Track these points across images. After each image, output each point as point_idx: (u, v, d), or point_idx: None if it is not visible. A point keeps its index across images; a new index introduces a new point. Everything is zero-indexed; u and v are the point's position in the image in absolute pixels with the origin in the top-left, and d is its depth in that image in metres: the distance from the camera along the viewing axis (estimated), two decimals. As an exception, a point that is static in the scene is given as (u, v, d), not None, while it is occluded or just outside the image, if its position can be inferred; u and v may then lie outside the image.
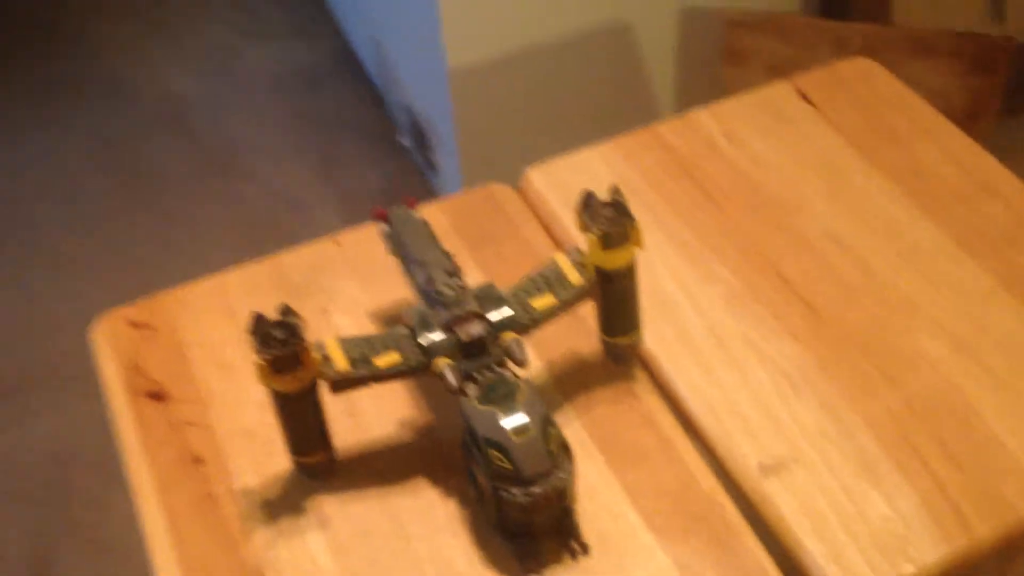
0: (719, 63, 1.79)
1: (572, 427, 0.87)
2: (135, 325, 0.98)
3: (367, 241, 1.02)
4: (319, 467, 0.84)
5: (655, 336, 0.92)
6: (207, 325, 0.97)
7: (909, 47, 1.68)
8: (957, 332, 0.91)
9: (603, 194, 0.84)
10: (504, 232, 1.02)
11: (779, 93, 1.14)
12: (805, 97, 1.13)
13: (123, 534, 1.61)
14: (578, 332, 0.92)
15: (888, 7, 1.85)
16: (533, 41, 1.81)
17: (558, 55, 1.83)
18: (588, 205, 0.83)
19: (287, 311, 0.78)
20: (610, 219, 0.82)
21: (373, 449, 0.87)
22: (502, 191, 1.07)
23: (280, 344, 0.76)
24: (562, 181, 1.05)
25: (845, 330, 0.92)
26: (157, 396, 0.92)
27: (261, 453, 0.87)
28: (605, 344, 0.90)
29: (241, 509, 0.84)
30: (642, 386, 0.90)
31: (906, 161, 1.06)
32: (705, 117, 1.12)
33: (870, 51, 1.35)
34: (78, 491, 1.67)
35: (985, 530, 0.79)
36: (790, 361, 0.90)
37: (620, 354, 0.91)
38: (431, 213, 1.03)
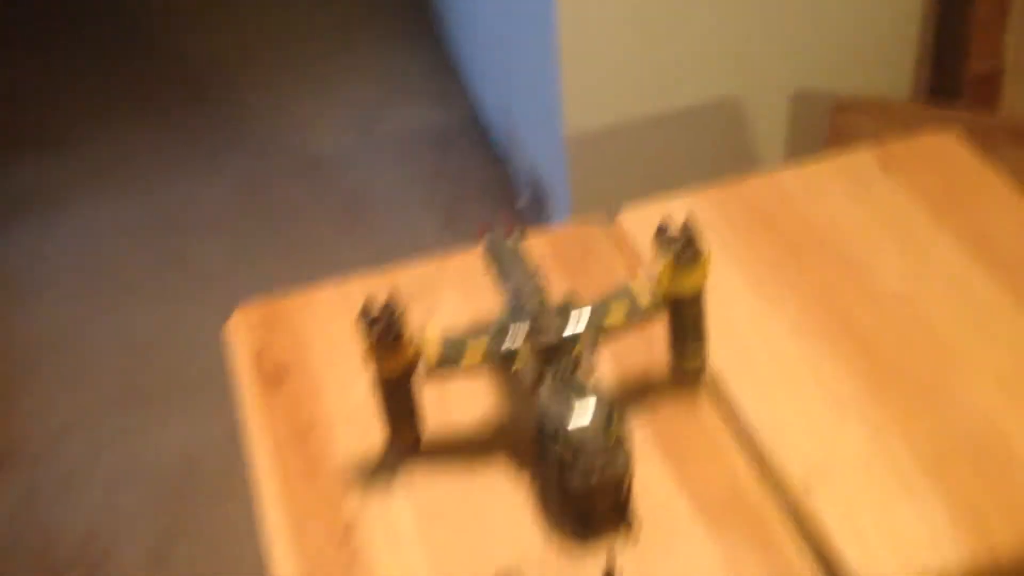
0: (824, 143, 1.88)
1: (639, 428, 0.97)
2: (265, 318, 1.12)
3: (471, 264, 1.14)
4: (410, 445, 0.96)
5: (722, 356, 1.02)
6: (326, 322, 1.10)
7: (1012, 136, 1.74)
8: (1003, 376, 0.98)
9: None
10: (593, 262, 1.14)
11: (861, 159, 1.24)
12: (885, 164, 1.22)
13: (238, 536, 1.75)
14: (650, 351, 1.03)
15: (997, 97, 1.92)
16: (648, 111, 1.93)
17: (671, 126, 1.95)
18: (662, 234, 0.94)
19: (392, 301, 0.90)
20: (681, 248, 0.93)
21: (458, 435, 0.98)
22: (596, 228, 1.19)
23: (384, 329, 0.89)
24: (650, 222, 1.15)
25: (899, 367, 1.00)
26: (279, 377, 1.06)
27: (362, 430, 0.99)
28: (674, 368, 1.00)
29: (340, 470, 0.96)
30: (704, 399, 0.99)
31: (974, 225, 1.14)
32: (789, 176, 1.22)
33: (972, 137, 1.42)
34: (201, 493, 1.82)
35: (1006, 540, 0.86)
36: (844, 388, 0.99)
37: (688, 376, 1.00)
38: (532, 241, 1.15)
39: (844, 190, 1.20)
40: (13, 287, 2.28)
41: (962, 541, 0.87)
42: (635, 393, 1.01)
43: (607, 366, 1.03)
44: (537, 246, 1.16)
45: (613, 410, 0.88)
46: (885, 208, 1.17)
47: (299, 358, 1.07)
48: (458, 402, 1.00)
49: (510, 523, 0.91)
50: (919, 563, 0.86)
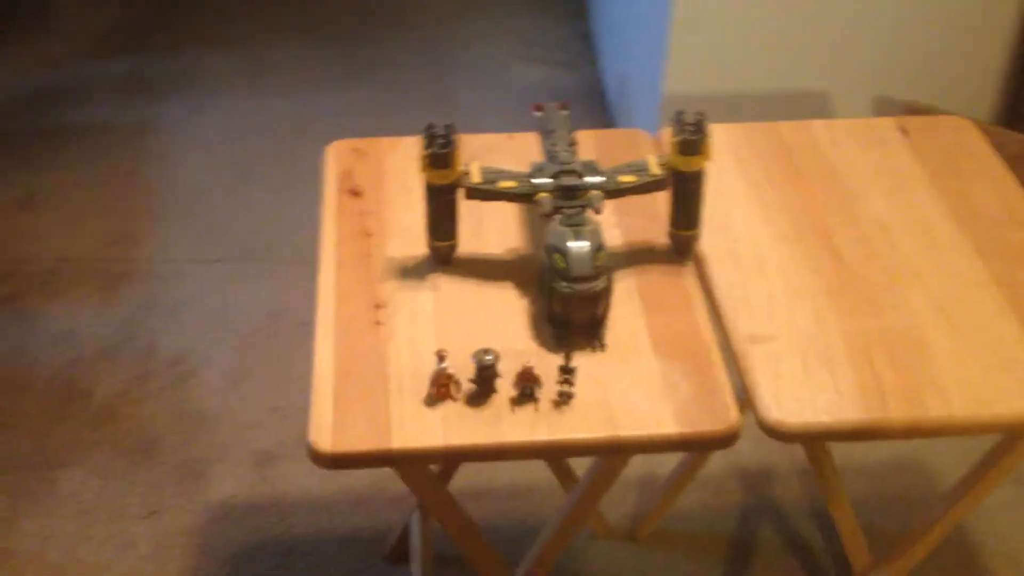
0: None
1: (627, 280, 1.18)
2: (355, 150, 1.36)
3: (531, 142, 1.36)
4: (444, 251, 1.19)
5: (712, 245, 1.22)
6: (403, 162, 1.34)
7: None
8: (942, 299, 1.16)
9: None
10: (632, 156, 1.34)
11: (884, 124, 1.42)
12: (905, 130, 1.40)
13: (303, 375, 2.00)
14: (655, 225, 1.23)
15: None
16: (740, 88, 2.13)
17: (755, 104, 2.14)
18: (677, 119, 1.15)
19: (450, 126, 1.13)
20: (690, 132, 1.14)
21: (484, 254, 1.21)
22: (643, 135, 1.40)
23: (440, 145, 1.12)
24: (687, 135, 1.37)
25: (857, 276, 1.19)
26: (354, 193, 1.30)
27: (409, 240, 1.22)
28: (671, 235, 1.21)
29: (383, 266, 1.19)
30: (688, 271, 1.20)
31: (960, 188, 1.31)
32: (819, 125, 1.41)
33: (1018, 159, 1.58)
34: (279, 339, 2.09)
35: (898, 415, 1.04)
36: (805, 284, 1.18)
37: (681, 245, 1.21)
38: (585, 136, 1.37)
39: (861, 143, 1.38)
40: (161, 148, 2.60)
41: (860, 410, 1.05)
42: (633, 253, 1.22)
43: (618, 231, 1.24)
44: (589, 137, 1.38)
45: (603, 246, 1.09)
46: (891, 162, 1.35)
47: (375, 182, 1.31)
48: (491, 230, 1.23)
49: (506, 321, 1.13)
50: (818, 416, 1.04)
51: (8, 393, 1.98)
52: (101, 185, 2.49)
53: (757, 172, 1.34)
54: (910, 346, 1.11)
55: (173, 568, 1.69)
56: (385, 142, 1.38)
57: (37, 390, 1.98)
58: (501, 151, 1.36)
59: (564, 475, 1.61)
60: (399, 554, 1.67)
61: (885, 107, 2.14)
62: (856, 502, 1.57)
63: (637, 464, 1.80)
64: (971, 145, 1.39)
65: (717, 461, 1.85)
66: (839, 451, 1.45)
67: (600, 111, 2.75)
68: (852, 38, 2.08)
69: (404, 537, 1.67)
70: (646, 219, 1.25)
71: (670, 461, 1.78)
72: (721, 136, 1.39)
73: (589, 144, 1.37)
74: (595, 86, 2.84)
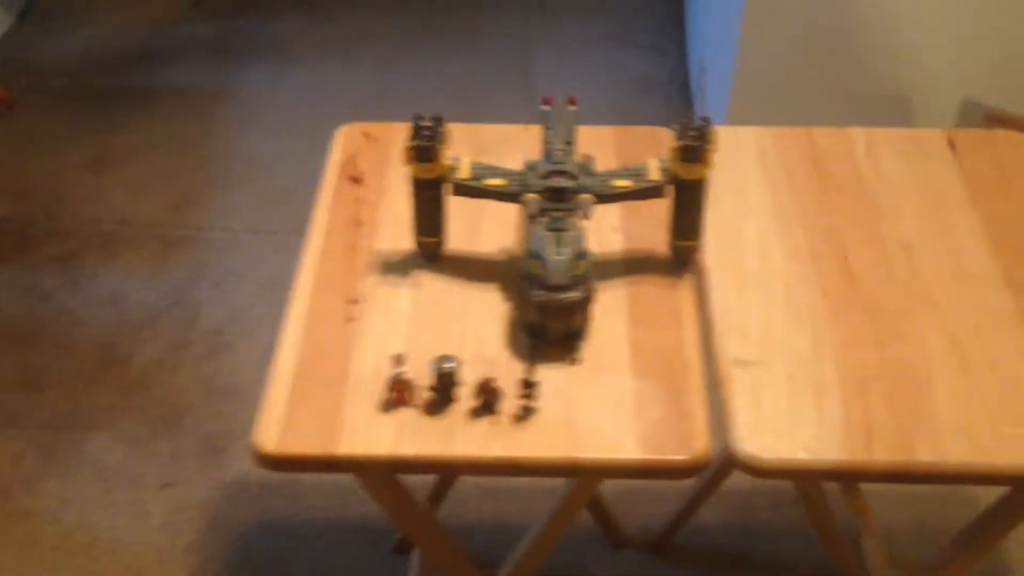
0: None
1: (617, 290, 1.11)
2: (365, 135, 1.32)
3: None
4: (430, 248, 1.14)
5: (716, 257, 1.14)
6: (410, 149, 1.30)
7: None
8: (960, 336, 1.06)
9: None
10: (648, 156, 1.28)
11: (933, 134, 1.31)
12: (954, 143, 1.29)
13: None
14: (659, 233, 1.16)
15: None
16: (814, 83, 2.02)
17: (829, 101, 2.02)
18: (681, 126, 1.07)
19: (437, 119, 1.08)
20: (693, 138, 1.06)
21: (475, 251, 1.16)
22: (667, 134, 1.32)
23: (425, 138, 1.07)
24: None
25: (868, 302, 1.10)
26: (355, 180, 1.26)
27: (400, 233, 1.18)
28: (671, 245, 1.14)
29: (368, 259, 1.15)
30: (685, 284, 1.12)
31: (1003, 213, 1.20)
32: (858, 133, 1.31)
33: None
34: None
35: (883, 458, 0.96)
36: (809, 306, 1.09)
37: (681, 256, 1.13)
38: (605, 133, 1.30)
39: (903, 155, 1.28)
40: (238, 114, 2.61)
41: (843, 450, 0.97)
42: (631, 261, 1.15)
43: (619, 236, 1.17)
44: (609, 134, 1.31)
45: (585, 254, 1.03)
46: (931, 178, 1.25)
47: (377, 170, 1.27)
48: (486, 231, 1.18)
49: (482, 326, 1.08)
50: (795, 453, 0.97)
51: (52, 352, 2.01)
52: (171, 150, 2.51)
53: (780, 180, 1.25)
54: (912, 383, 1.02)
55: (182, 541, 1.69)
56: (395, 128, 1.34)
57: (79, 351, 2.02)
58: (513, 143, 1.31)
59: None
60: (406, 546, 1.64)
61: (971, 112, 2.00)
62: (895, 532, 1.48)
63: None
64: (1025, 164, 1.27)
65: (744, 477, 1.76)
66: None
67: (684, 98, 2.65)
68: (937, 33, 1.94)
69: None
70: (651, 226, 1.18)
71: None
72: (749, 139, 1.31)
73: (608, 142, 1.30)
74: (680, 72, 2.74)
